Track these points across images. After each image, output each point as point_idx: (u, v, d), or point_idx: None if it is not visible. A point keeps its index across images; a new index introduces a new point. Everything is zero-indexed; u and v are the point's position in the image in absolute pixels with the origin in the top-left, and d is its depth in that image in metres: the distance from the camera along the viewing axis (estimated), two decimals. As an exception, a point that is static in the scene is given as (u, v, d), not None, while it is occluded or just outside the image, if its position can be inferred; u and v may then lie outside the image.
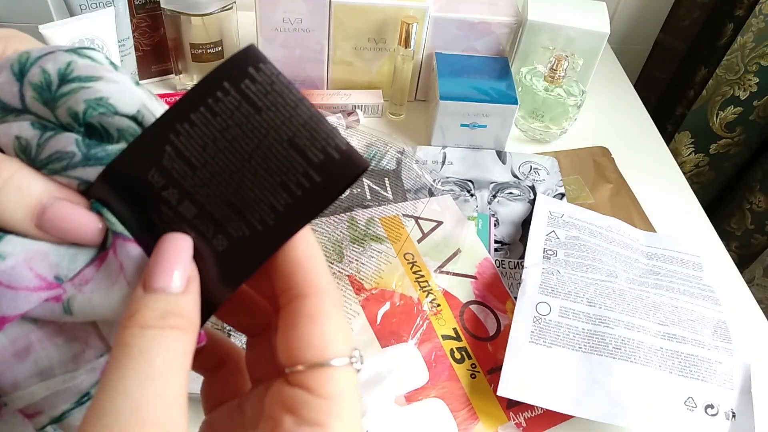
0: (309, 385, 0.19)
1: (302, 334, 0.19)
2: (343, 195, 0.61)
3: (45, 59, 0.20)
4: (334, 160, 0.20)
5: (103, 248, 0.21)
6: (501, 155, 0.72)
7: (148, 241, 0.21)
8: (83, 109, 0.20)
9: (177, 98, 0.20)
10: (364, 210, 0.60)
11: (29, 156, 0.20)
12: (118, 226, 0.21)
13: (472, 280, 0.57)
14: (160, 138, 0.20)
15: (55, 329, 0.21)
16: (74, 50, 0.21)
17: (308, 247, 0.20)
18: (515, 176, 0.69)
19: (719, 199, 0.95)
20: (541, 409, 0.49)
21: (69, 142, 0.20)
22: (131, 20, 0.68)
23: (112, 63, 0.21)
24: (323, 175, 0.20)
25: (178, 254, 0.19)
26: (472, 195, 0.66)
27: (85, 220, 0.20)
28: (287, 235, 0.20)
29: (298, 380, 0.19)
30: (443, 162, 0.70)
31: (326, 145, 0.20)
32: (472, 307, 0.55)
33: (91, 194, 0.21)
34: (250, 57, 0.20)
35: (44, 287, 0.20)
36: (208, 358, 0.25)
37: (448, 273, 0.57)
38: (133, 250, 0.21)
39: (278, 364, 0.20)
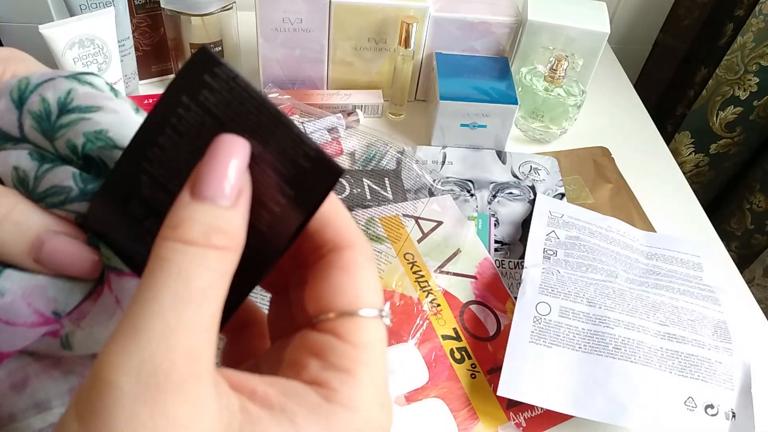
0: (339, 332, 0.18)
1: (335, 284, 0.19)
2: (343, 195, 0.61)
3: (45, 87, 0.20)
4: (304, 171, 0.18)
5: (100, 282, 0.21)
6: (501, 155, 0.72)
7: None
8: (82, 143, 0.20)
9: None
10: (364, 210, 0.60)
11: (27, 188, 0.20)
12: (113, 260, 0.20)
13: (472, 280, 0.57)
14: (134, 167, 0.19)
15: (52, 362, 0.21)
16: (74, 76, 0.20)
17: (333, 205, 0.20)
18: (515, 176, 0.69)
19: (719, 199, 0.95)
20: (541, 409, 0.49)
21: (66, 176, 0.20)
22: (131, 20, 0.68)
23: (112, 89, 0.21)
24: (296, 189, 0.19)
25: (232, 158, 0.18)
26: (472, 195, 0.66)
27: (81, 254, 0.20)
28: (275, 256, 0.19)
29: (327, 327, 0.19)
30: (443, 162, 0.70)
31: (294, 154, 0.18)
32: (472, 307, 0.55)
33: (87, 228, 0.20)
34: (203, 63, 0.18)
35: (42, 323, 0.20)
36: (233, 320, 0.24)
37: (448, 273, 0.57)
38: (128, 282, 0.20)
39: (303, 316, 0.20)
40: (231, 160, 0.18)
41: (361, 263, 0.20)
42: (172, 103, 0.19)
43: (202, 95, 0.18)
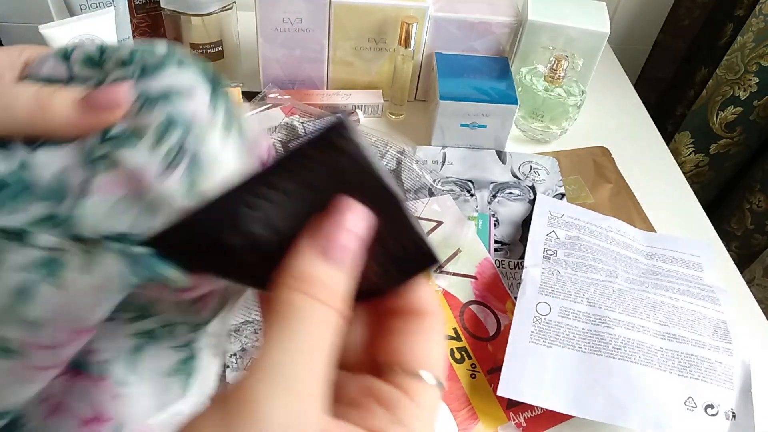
0: (409, 390, 0.20)
1: (414, 345, 0.21)
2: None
3: (81, 47, 0.23)
4: (409, 255, 0.21)
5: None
6: (501, 155, 0.72)
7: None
8: (130, 52, 0.22)
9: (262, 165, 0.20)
10: (364, 210, 0.60)
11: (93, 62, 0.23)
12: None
13: (472, 280, 0.57)
14: (237, 199, 0.20)
15: None
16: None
17: None
18: (515, 176, 0.69)
19: (719, 199, 0.95)
20: (541, 409, 0.49)
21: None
22: (131, 20, 0.68)
23: None
24: (398, 268, 0.21)
25: (358, 227, 0.20)
26: (472, 195, 0.66)
27: (118, 90, 0.21)
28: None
29: (397, 381, 0.20)
30: (443, 162, 0.70)
31: (404, 238, 0.20)
32: (472, 307, 0.55)
33: (157, 243, 0.21)
34: (339, 129, 0.19)
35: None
36: None
37: (448, 273, 0.57)
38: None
39: (361, 357, 0.22)
40: (357, 229, 0.20)
41: (438, 333, 0.22)
42: (299, 154, 0.19)
43: (331, 156, 0.19)
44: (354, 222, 0.20)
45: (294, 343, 0.18)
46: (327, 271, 0.19)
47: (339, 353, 0.24)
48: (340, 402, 0.21)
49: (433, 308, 0.22)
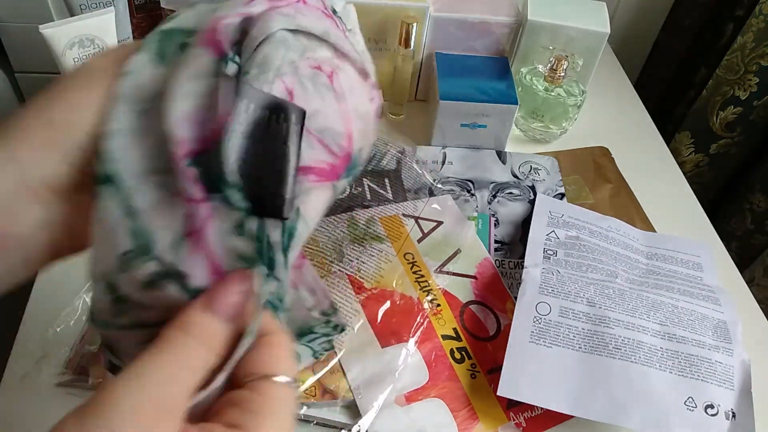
0: (258, 389, 0.23)
1: (263, 355, 0.24)
2: (343, 195, 0.61)
3: None
4: None
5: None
6: (501, 155, 0.72)
7: None
8: None
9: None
10: (364, 210, 0.61)
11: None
12: None
13: (472, 280, 0.57)
14: None
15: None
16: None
17: None
18: (515, 176, 0.69)
19: (719, 199, 0.95)
20: (541, 409, 0.49)
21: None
22: (131, 20, 0.68)
23: None
24: None
25: (240, 290, 0.24)
26: (472, 195, 0.66)
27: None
28: None
29: (248, 386, 0.23)
30: (443, 162, 0.70)
31: None
32: (472, 307, 0.55)
33: None
34: None
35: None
36: None
37: (448, 273, 0.57)
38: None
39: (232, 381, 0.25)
40: (240, 289, 0.25)
41: (282, 343, 0.25)
42: None
43: None
44: (238, 284, 0.24)
45: (161, 361, 0.21)
46: (206, 317, 0.23)
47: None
48: (208, 414, 0.23)
49: (272, 328, 0.25)
